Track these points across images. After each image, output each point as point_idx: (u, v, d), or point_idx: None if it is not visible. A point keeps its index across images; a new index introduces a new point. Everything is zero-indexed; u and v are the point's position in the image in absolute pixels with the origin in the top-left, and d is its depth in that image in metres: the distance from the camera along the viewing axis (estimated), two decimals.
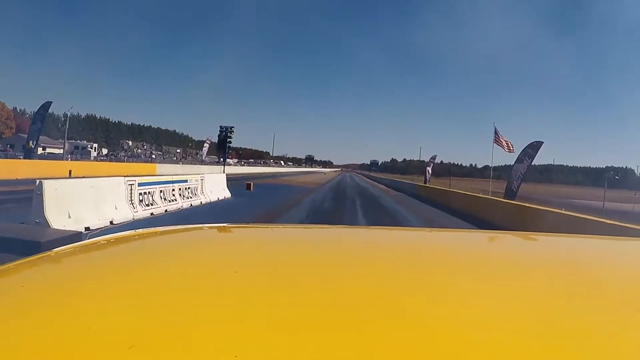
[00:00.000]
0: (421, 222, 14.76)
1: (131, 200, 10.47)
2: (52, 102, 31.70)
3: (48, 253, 0.88)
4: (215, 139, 39.70)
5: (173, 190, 12.99)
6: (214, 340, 0.51)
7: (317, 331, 0.55)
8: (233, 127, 37.57)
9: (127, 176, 10.83)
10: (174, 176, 14.02)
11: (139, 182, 10.93)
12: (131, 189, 10.46)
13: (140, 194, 10.98)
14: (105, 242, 1.03)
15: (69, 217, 8.21)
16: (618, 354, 0.54)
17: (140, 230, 1.18)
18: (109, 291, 0.69)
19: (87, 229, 8.44)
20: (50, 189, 7.85)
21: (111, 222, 9.29)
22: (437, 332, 0.57)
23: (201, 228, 1.33)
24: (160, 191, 12.14)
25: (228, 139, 36.70)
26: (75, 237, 6.93)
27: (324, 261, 0.99)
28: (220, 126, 37.92)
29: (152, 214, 11.24)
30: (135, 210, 10.51)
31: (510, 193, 21.37)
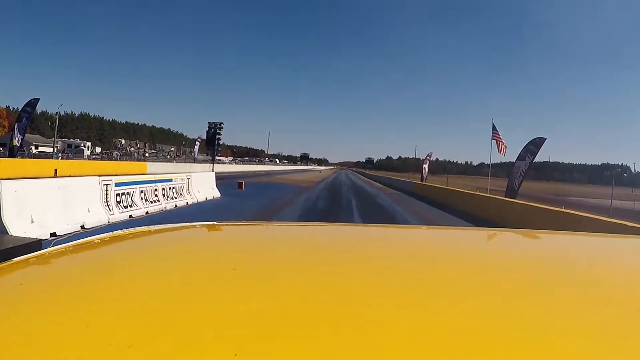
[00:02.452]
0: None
1: (107, 201, 9.58)
2: (39, 99, 30.62)
3: (42, 252, 0.86)
4: None
5: (155, 190, 12.08)
6: (214, 339, 0.50)
7: (316, 328, 0.55)
8: (222, 123, 35.87)
9: (102, 175, 9.95)
10: (156, 175, 13.12)
11: (116, 181, 10.03)
12: (107, 190, 9.57)
13: (118, 194, 10.09)
14: (100, 240, 1.01)
15: (32, 221, 7.32)
16: (619, 354, 0.52)
17: (134, 229, 1.15)
18: (107, 290, 0.68)
19: (53, 234, 7.58)
20: (8, 190, 6.95)
21: (82, 227, 8.41)
22: (436, 329, 0.56)
23: (194, 226, 1.30)
24: (141, 191, 11.24)
25: (217, 136, 34.76)
26: (35, 244, 6.10)
27: (323, 258, 0.97)
28: (209, 122, 36.04)
29: (130, 216, 10.36)
30: (111, 212, 9.63)
31: (511, 191, 20.65)
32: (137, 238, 1.11)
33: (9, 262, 0.78)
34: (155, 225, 1.22)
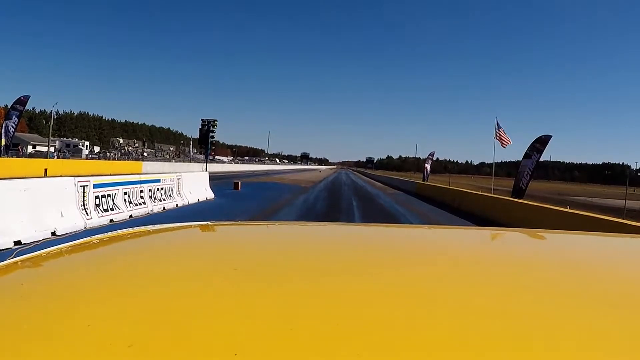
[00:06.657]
0: None
1: (84, 204, 8.72)
2: (29, 96, 29.78)
3: (43, 252, 0.86)
4: None
5: (141, 191, 11.22)
6: (214, 338, 0.50)
7: (317, 328, 0.55)
8: (216, 120, 34.15)
9: (79, 176, 9.09)
10: (142, 175, 12.24)
11: (95, 182, 9.16)
12: (84, 192, 8.71)
13: (97, 197, 9.24)
14: (98, 240, 1.01)
15: None
16: (621, 354, 0.51)
17: (134, 228, 1.15)
18: (107, 289, 0.68)
19: (17, 242, 6.74)
20: None
21: (53, 233, 7.56)
22: (438, 329, 0.56)
23: (194, 226, 1.29)
24: (125, 193, 10.37)
25: (211, 133, 33.12)
26: None
27: (323, 258, 0.97)
28: (202, 119, 34.15)
29: (111, 220, 9.50)
30: (88, 217, 8.76)
31: (518, 191, 19.81)
32: (137, 238, 1.09)
33: (9, 262, 0.78)
34: (155, 225, 1.21)
